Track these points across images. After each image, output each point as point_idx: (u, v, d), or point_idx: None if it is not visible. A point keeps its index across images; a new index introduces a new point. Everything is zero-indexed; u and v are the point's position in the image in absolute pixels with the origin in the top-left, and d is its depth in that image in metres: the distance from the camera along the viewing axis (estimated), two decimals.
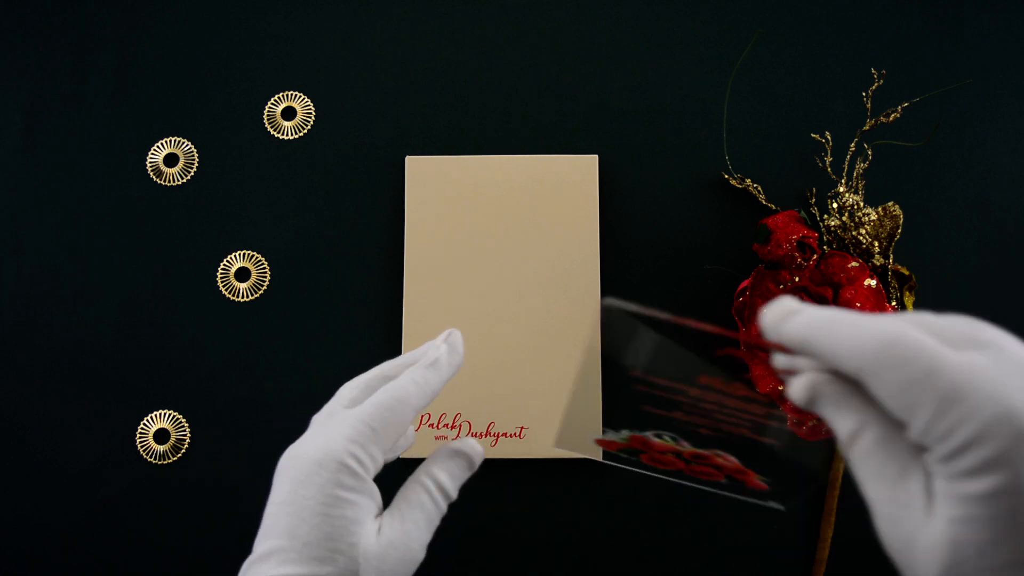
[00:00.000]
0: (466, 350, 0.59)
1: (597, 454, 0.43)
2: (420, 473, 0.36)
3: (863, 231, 0.56)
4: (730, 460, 0.37)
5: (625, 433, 0.39)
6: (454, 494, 0.36)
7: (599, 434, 0.42)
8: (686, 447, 0.38)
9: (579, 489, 0.59)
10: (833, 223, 0.57)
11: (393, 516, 0.34)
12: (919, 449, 0.22)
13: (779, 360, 0.27)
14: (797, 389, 0.25)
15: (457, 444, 0.36)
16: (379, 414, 0.34)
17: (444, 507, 0.35)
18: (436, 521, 0.35)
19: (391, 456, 0.38)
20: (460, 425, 0.58)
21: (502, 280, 0.60)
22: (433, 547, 0.36)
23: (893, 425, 0.22)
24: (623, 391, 0.37)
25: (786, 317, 0.25)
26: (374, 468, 0.34)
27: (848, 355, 0.22)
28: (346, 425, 0.33)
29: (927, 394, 0.20)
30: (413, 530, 0.33)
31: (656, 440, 0.38)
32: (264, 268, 0.62)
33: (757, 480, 0.38)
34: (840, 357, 0.23)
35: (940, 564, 0.19)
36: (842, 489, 0.57)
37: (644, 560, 0.58)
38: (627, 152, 0.61)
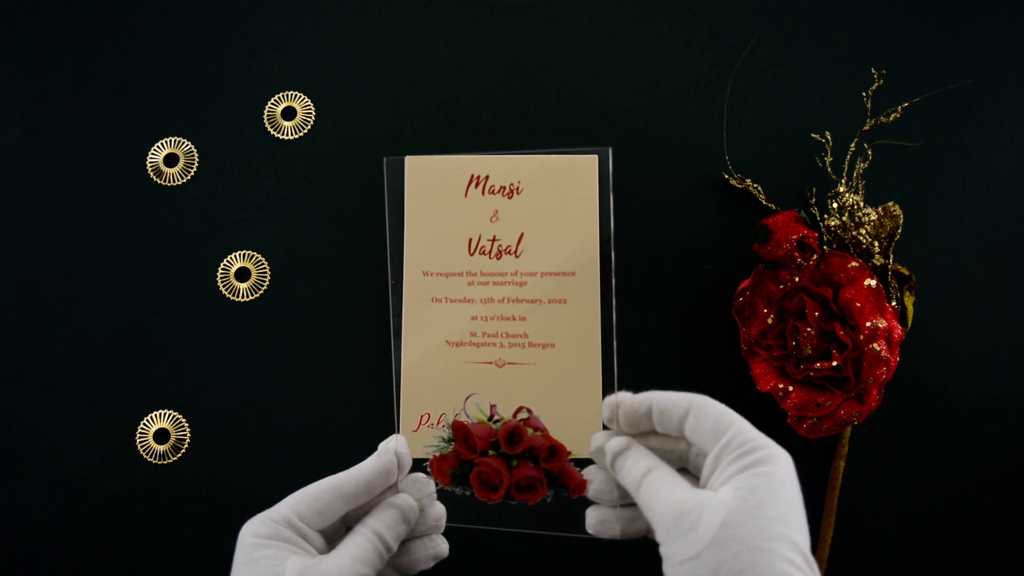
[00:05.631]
0: (465, 350, 0.59)
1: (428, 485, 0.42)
2: (361, 521, 0.40)
3: (863, 231, 0.56)
4: (539, 426, 0.42)
5: (448, 417, 0.43)
6: (391, 542, 0.39)
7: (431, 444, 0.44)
8: (498, 422, 0.42)
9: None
10: (833, 223, 0.57)
11: (331, 552, 0.38)
12: (688, 472, 0.40)
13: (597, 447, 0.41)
14: (616, 442, 0.40)
15: (394, 498, 0.41)
16: (305, 490, 0.39)
17: (383, 550, 0.39)
18: (374, 561, 0.38)
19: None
20: None
21: (501, 280, 0.60)
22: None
23: (671, 464, 0.39)
24: None
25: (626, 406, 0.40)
26: (301, 525, 0.38)
27: (674, 407, 0.38)
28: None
29: (729, 427, 0.36)
30: (347, 561, 0.37)
31: (472, 423, 0.42)
32: (264, 268, 0.62)
33: (575, 471, 0.42)
34: (668, 411, 0.38)
35: (726, 512, 0.33)
36: (842, 490, 0.57)
37: (638, 562, 0.58)
38: (627, 152, 0.61)
